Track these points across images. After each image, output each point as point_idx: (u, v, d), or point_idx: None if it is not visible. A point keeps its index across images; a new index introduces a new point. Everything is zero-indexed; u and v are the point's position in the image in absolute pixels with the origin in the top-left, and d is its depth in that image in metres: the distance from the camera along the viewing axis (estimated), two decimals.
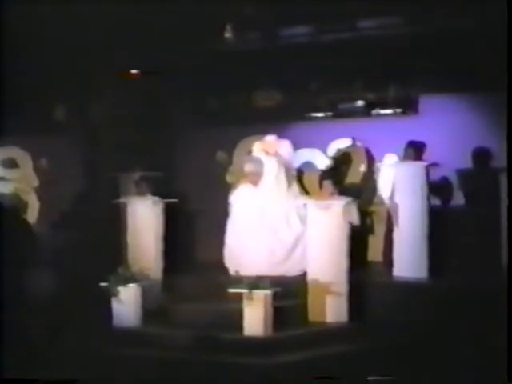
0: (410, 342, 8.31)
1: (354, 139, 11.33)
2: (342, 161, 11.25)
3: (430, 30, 10.60)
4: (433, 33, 10.58)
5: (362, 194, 10.56)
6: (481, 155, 10.36)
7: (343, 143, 11.46)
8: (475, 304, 8.61)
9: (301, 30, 11.57)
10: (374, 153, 11.07)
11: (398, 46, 10.82)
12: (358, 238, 9.45)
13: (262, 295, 8.31)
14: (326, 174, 10.62)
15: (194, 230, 11.69)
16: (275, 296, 8.41)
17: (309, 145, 11.52)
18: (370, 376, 7.64)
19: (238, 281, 8.71)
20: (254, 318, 8.31)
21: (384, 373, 7.64)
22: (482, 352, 7.92)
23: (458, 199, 10.45)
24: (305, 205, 9.45)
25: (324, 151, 11.58)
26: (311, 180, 10.74)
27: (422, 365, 7.83)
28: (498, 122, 8.94)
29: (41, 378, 6.61)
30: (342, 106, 12.14)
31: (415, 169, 9.63)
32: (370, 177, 10.79)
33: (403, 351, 8.11)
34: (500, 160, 9.63)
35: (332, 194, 9.40)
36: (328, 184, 9.57)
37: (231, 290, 8.46)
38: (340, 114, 12.10)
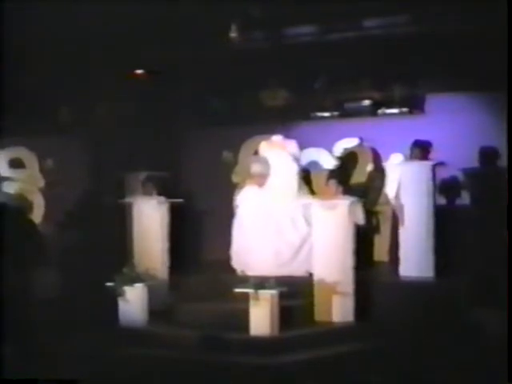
0: (414, 341, 8.28)
1: (360, 139, 11.30)
2: (349, 160, 11.22)
3: (436, 29, 10.57)
4: (439, 32, 10.54)
5: (368, 193, 10.55)
6: (487, 154, 10.29)
7: (349, 143, 11.43)
8: (478, 304, 8.58)
9: (307, 30, 11.56)
10: (381, 152, 11.02)
11: (404, 45, 10.78)
12: (363, 238, 9.45)
13: (268, 295, 8.31)
14: (332, 174, 10.59)
15: (200, 229, 11.69)
16: (281, 296, 8.41)
17: (315, 144, 11.48)
18: (375, 375, 7.63)
19: (244, 281, 8.71)
20: (260, 318, 8.31)
21: (389, 372, 7.62)
22: (482, 352, 7.89)
23: (465, 198, 10.40)
24: (310, 204, 9.45)
25: (330, 151, 11.54)
26: (317, 180, 10.72)
27: (423, 365, 7.80)
28: (504, 121, 8.89)
29: (44, 378, 6.59)
30: (349, 106, 12.08)
31: (421, 168, 9.61)
32: (376, 176, 10.75)
33: (407, 351, 8.08)
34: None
35: (336, 194, 9.39)
36: (333, 183, 9.56)
37: (237, 290, 8.46)
38: (346, 114, 12.05)
